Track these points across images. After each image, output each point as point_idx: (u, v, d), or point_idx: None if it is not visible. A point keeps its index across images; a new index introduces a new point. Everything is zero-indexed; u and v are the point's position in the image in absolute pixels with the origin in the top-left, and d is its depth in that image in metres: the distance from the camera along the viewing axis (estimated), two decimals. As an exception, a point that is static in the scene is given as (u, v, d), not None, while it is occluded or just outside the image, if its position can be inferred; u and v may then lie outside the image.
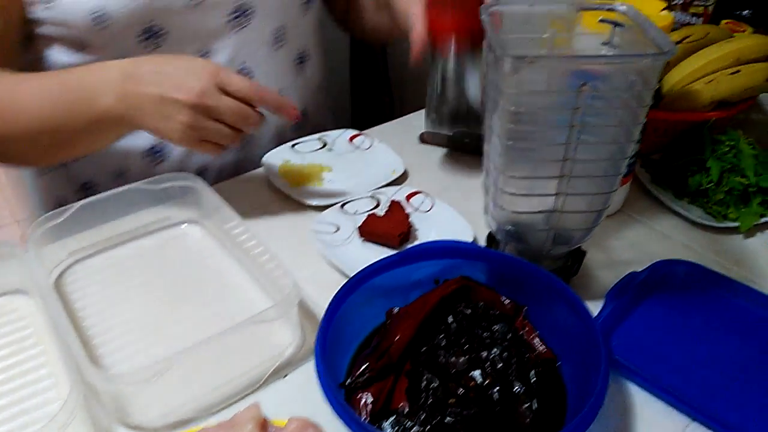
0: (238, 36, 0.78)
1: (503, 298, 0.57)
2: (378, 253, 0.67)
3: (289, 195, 0.75)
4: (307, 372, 0.55)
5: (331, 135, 0.86)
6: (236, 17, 0.76)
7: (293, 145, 0.84)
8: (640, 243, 0.68)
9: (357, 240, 0.68)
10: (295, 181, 0.77)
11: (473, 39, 0.70)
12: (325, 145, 0.85)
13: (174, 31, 0.72)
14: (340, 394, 0.50)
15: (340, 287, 0.53)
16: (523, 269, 0.56)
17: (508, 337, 0.55)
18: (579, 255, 0.62)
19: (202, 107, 0.61)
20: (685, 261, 0.63)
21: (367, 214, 0.71)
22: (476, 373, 0.52)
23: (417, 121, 0.91)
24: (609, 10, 0.56)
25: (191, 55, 0.74)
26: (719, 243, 0.69)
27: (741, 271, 0.65)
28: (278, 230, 0.71)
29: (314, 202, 0.73)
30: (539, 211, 0.57)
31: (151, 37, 0.71)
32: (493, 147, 0.56)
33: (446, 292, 0.57)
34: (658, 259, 0.64)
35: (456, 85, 0.76)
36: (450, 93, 0.78)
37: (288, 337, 0.57)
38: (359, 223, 0.69)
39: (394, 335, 0.54)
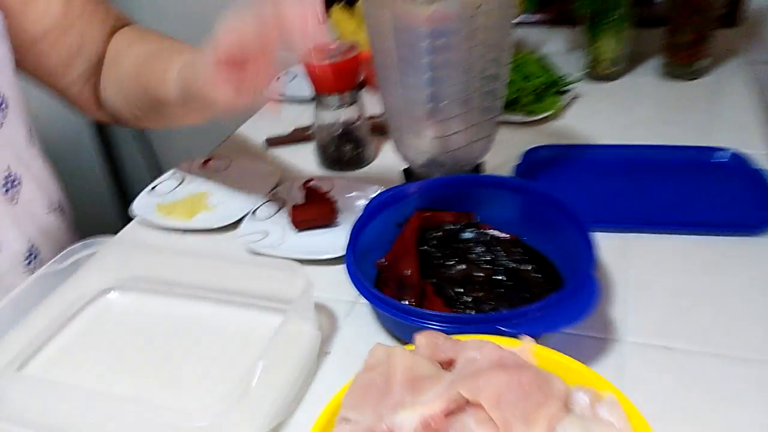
0: None
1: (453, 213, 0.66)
2: (319, 235, 0.69)
3: (188, 228, 0.72)
4: (346, 335, 0.58)
5: (180, 169, 0.83)
6: None
7: (153, 188, 0.80)
8: (498, 150, 0.82)
9: (293, 234, 0.70)
10: (188, 214, 0.74)
11: None
12: (183, 181, 0.82)
13: None
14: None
15: (347, 242, 0.56)
16: (468, 182, 0.65)
17: (479, 238, 0.64)
18: (478, 167, 0.74)
19: None
20: (543, 145, 0.80)
21: (278, 214, 0.72)
22: (478, 273, 0.60)
23: (251, 133, 0.94)
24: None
25: None
26: (548, 128, 0.87)
27: (576, 138, 0.84)
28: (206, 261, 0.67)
29: (224, 223, 0.72)
30: (456, 133, 0.67)
31: None
32: (411, 99, 0.64)
33: (417, 224, 0.63)
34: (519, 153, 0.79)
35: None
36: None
37: (309, 325, 0.56)
38: (282, 222, 0.71)
39: (404, 272, 0.59)
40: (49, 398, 0.47)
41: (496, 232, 0.65)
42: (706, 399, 0.48)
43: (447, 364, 0.44)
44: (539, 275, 0.59)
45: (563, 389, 0.41)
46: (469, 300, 0.56)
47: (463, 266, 0.61)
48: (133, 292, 0.63)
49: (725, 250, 0.62)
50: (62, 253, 0.59)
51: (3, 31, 0.67)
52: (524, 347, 0.45)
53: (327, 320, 0.59)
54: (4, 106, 0.67)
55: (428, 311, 0.50)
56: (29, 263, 0.70)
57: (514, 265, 0.60)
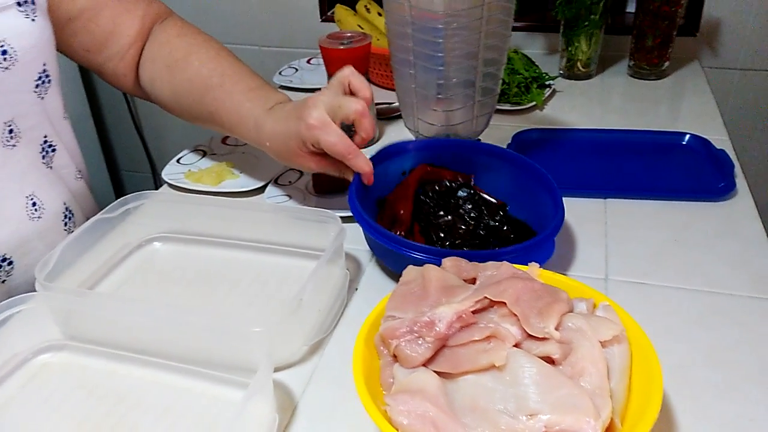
0: None
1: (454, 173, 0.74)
2: (336, 198, 0.78)
3: (217, 192, 0.80)
4: (370, 276, 0.66)
5: (204, 145, 0.91)
6: None
7: (178, 160, 0.87)
8: (491, 133, 0.92)
9: (313, 197, 0.78)
10: (215, 180, 0.81)
11: None
12: (205, 154, 0.89)
13: None
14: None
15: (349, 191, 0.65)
16: (469, 147, 0.74)
17: (471, 198, 0.72)
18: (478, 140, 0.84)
19: None
20: (533, 128, 0.90)
21: (298, 181, 0.81)
22: (462, 225, 0.69)
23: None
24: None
25: None
26: (533, 117, 0.98)
27: (558, 125, 0.94)
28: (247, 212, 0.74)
29: (250, 187, 0.79)
30: (460, 108, 0.76)
31: None
32: (423, 80, 0.74)
33: (419, 175, 0.72)
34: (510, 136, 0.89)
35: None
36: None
37: (340, 264, 0.63)
38: (302, 188, 0.79)
39: (399, 211, 0.68)
40: (117, 314, 0.54)
41: (486, 196, 0.73)
42: (673, 320, 0.58)
43: (470, 281, 0.53)
44: (513, 236, 0.68)
45: (567, 297, 0.50)
46: (447, 245, 0.66)
47: (449, 218, 0.69)
48: (177, 239, 0.70)
49: (690, 212, 0.73)
50: (115, 202, 0.67)
51: (45, 8, 0.74)
52: (531, 270, 0.54)
53: (352, 264, 0.67)
54: (48, 80, 0.72)
55: (416, 243, 0.59)
56: (66, 224, 0.77)
57: (494, 224, 0.69)
